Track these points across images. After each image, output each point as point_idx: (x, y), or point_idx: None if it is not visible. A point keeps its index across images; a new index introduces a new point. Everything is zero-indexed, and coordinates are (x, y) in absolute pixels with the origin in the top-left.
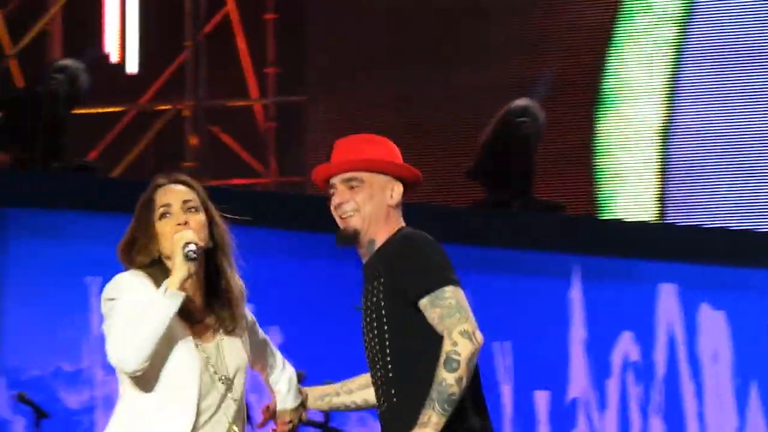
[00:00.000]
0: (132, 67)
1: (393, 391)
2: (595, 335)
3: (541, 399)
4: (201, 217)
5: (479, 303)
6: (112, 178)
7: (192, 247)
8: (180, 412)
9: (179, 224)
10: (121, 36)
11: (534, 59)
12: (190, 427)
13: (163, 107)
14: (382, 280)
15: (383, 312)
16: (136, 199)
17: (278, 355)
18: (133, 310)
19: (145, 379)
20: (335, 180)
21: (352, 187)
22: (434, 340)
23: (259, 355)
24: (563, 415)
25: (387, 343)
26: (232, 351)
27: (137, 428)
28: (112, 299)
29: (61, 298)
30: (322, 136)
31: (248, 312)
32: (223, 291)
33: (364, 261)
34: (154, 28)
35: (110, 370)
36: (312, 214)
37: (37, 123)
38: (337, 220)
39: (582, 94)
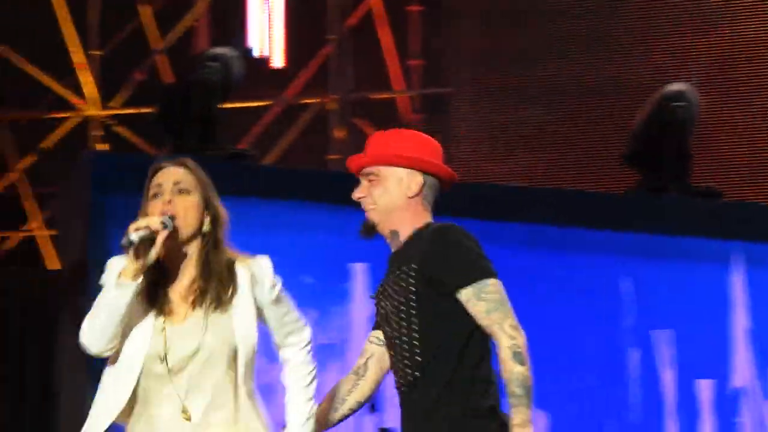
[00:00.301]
0: (277, 61)
1: (418, 374)
2: (760, 323)
3: (704, 388)
4: (191, 199)
5: (642, 291)
6: (267, 165)
7: (132, 235)
8: (119, 392)
9: (164, 203)
10: (266, 30)
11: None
12: (120, 407)
13: (308, 101)
14: (415, 266)
15: (414, 297)
16: (291, 186)
17: (302, 368)
18: (101, 295)
19: (111, 358)
20: (360, 175)
21: (370, 182)
22: (462, 327)
23: (279, 343)
24: (727, 404)
25: (416, 327)
26: (212, 330)
27: (96, 404)
28: (101, 282)
29: None
30: (467, 128)
31: (272, 296)
32: (209, 277)
33: (392, 251)
34: (298, 22)
35: (271, 357)
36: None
37: (190, 112)
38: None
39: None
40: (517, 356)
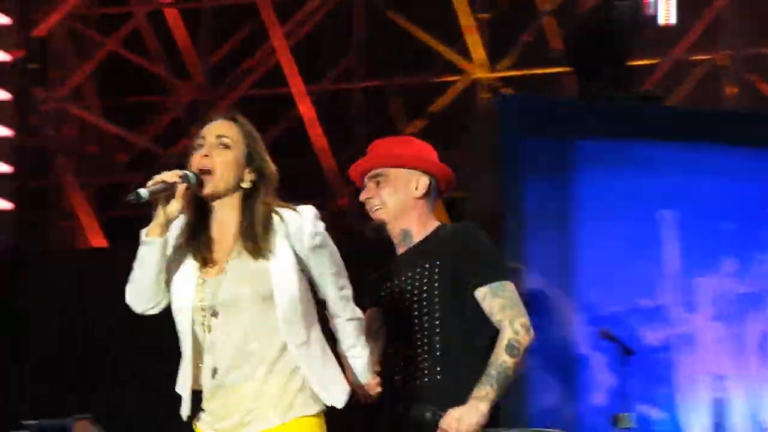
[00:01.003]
0: (668, 17)
1: (438, 368)
2: None
3: None
4: (230, 153)
5: None
6: (678, 107)
7: (141, 191)
8: (184, 350)
9: (202, 156)
10: None
11: None
12: (190, 366)
13: (698, 58)
14: (439, 263)
15: (436, 293)
16: (701, 128)
17: (350, 324)
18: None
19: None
20: (366, 178)
21: (378, 183)
22: (479, 323)
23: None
24: None
25: (437, 323)
26: (243, 281)
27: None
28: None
29: (633, 231)
30: None
31: (312, 243)
32: (248, 224)
33: (399, 251)
34: None
35: (690, 307)
36: None
37: (604, 52)
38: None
39: None
40: (510, 348)
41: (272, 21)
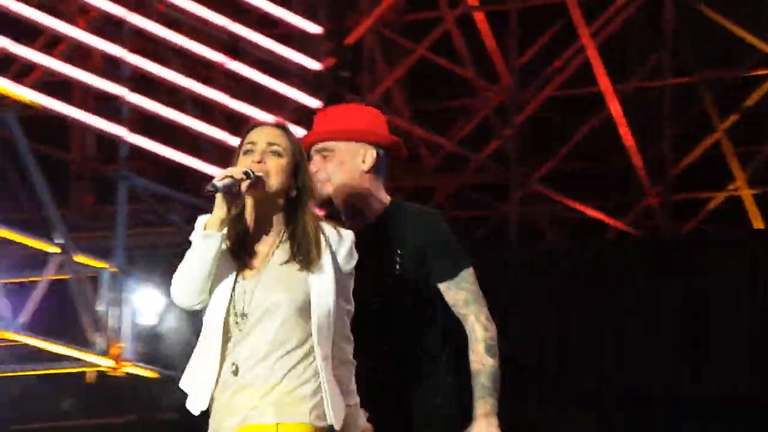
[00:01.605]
0: None
1: (395, 347)
2: None
3: None
4: (281, 161)
5: None
6: None
7: (216, 182)
8: (211, 347)
9: (255, 162)
10: None
11: None
12: (218, 363)
13: None
14: (402, 252)
15: (401, 279)
16: None
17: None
18: (190, 250)
19: (204, 312)
20: (312, 150)
21: (324, 157)
22: (436, 310)
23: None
24: None
25: (404, 311)
26: (281, 286)
27: (195, 358)
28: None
29: None
30: None
31: (348, 266)
32: (297, 233)
33: (355, 228)
34: None
35: None
36: None
37: None
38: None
39: None
40: (490, 349)
41: (580, 20)
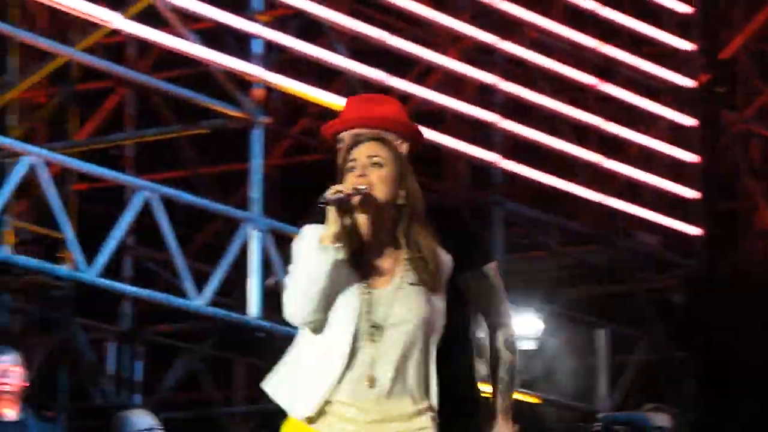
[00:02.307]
0: None
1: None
2: None
3: None
4: (383, 172)
5: None
6: None
7: (328, 197)
8: (333, 356)
9: (357, 176)
10: None
11: None
12: (340, 371)
13: None
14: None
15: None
16: None
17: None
18: (299, 265)
19: (314, 329)
20: (352, 137)
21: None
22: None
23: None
24: None
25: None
26: (408, 301)
27: (299, 368)
28: (295, 251)
29: None
30: None
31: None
32: (413, 244)
33: None
34: None
35: None
36: None
37: None
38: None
39: None
40: (511, 344)
41: None
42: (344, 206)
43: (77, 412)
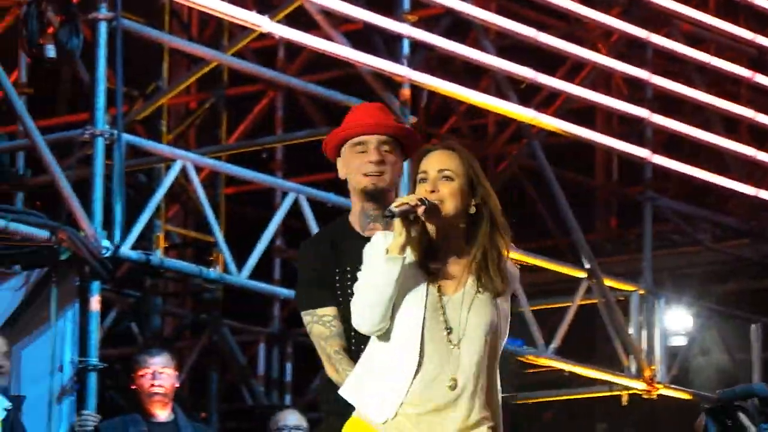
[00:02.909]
0: None
1: None
2: None
3: None
4: (455, 184)
5: None
6: None
7: (394, 209)
8: (405, 358)
9: (429, 191)
10: None
11: None
12: (412, 373)
13: None
14: None
15: None
16: None
17: None
18: (367, 274)
19: (382, 335)
20: (376, 142)
21: (386, 152)
22: None
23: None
24: None
25: None
26: (478, 308)
27: (372, 372)
28: (367, 259)
29: None
30: None
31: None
32: (481, 254)
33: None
34: None
35: None
36: None
37: None
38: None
39: None
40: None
41: None
42: (409, 217)
43: (228, 413)
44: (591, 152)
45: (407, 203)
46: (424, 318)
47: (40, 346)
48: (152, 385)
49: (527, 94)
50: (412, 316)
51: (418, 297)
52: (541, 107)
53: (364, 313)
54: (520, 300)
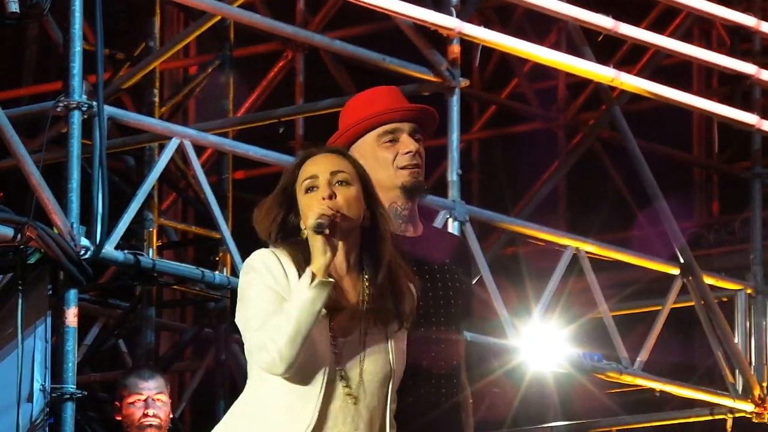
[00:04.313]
0: None
1: (455, 381)
2: None
3: None
4: (352, 190)
5: None
6: None
7: (321, 219)
8: (301, 411)
9: (324, 198)
10: None
11: None
12: (312, 424)
13: None
14: (455, 267)
15: (461, 302)
16: None
17: None
18: (274, 302)
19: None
20: (409, 129)
21: (417, 140)
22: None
23: None
24: None
25: (455, 327)
26: (374, 353)
27: (258, 419)
28: (247, 282)
29: None
30: None
31: None
32: (383, 278)
33: (407, 233)
34: None
35: None
36: None
37: None
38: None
39: None
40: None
41: None
42: (333, 231)
43: None
44: (685, 120)
45: (324, 214)
46: (322, 364)
47: (4, 370)
48: (144, 415)
49: (606, 49)
50: (313, 362)
51: (319, 338)
52: (624, 65)
53: (281, 352)
54: (599, 305)
